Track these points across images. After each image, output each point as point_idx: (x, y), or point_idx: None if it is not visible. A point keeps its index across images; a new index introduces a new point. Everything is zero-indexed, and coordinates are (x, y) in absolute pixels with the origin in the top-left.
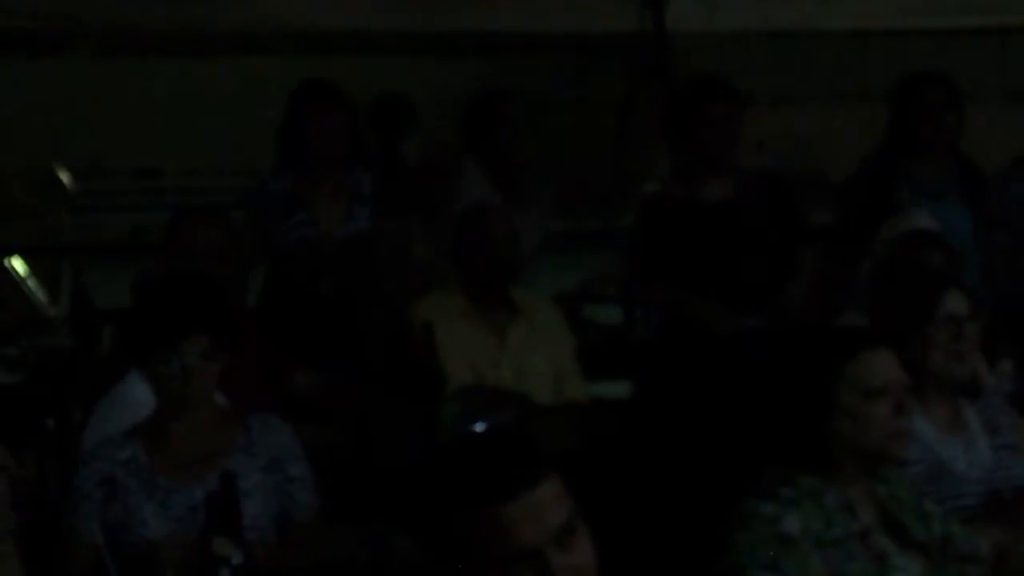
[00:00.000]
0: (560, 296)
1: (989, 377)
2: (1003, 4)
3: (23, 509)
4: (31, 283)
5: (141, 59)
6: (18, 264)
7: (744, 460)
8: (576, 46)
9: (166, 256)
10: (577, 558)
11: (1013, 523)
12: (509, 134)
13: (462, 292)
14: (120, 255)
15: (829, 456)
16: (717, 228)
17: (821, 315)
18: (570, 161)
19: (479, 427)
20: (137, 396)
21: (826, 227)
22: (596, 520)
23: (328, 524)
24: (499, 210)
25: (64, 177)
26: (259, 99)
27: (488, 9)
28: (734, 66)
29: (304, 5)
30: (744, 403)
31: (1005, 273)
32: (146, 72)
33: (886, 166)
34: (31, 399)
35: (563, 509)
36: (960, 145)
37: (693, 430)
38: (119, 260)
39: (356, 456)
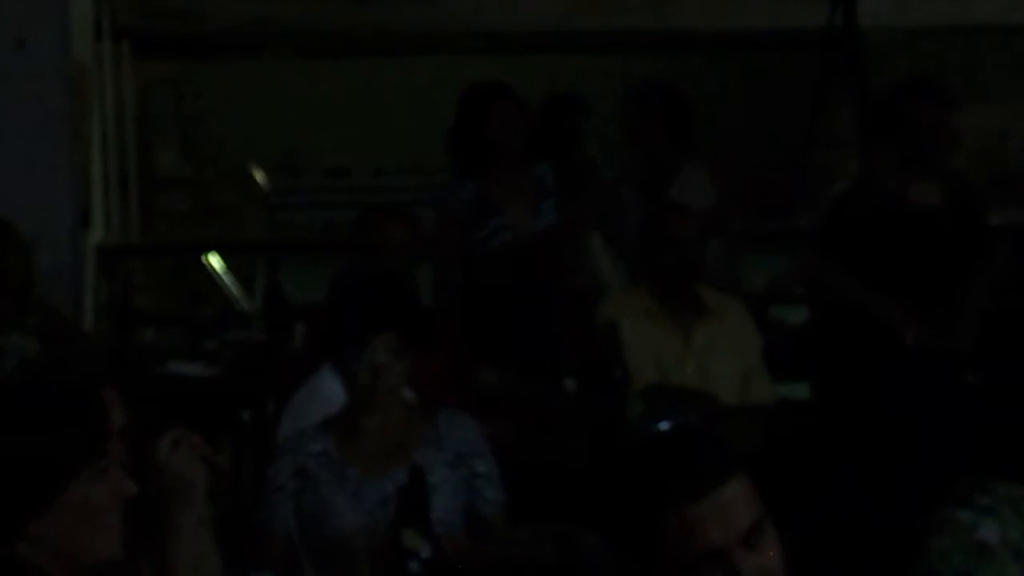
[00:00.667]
0: (747, 296)
1: None
2: None
3: (219, 499)
4: (227, 279)
5: (332, 60)
6: (215, 261)
7: (936, 466)
8: (763, 43)
9: (355, 253)
10: (764, 559)
11: None
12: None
13: (648, 291)
14: (312, 252)
15: None
16: (923, 233)
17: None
18: (755, 160)
19: (664, 426)
20: (329, 390)
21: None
22: (782, 521)
23: (514, 521)
24: (684, 209)
25: (259, 176)
26: (446, 98)
27: (672, 7)
28: (925, 63)
29: (491, 4)
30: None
31: None
32: (337, 73)
33: None
34: (227, 392)
35: (751, 510)
36: None
37: (876, 434)
38: (311, 257)
39: (541, 453)
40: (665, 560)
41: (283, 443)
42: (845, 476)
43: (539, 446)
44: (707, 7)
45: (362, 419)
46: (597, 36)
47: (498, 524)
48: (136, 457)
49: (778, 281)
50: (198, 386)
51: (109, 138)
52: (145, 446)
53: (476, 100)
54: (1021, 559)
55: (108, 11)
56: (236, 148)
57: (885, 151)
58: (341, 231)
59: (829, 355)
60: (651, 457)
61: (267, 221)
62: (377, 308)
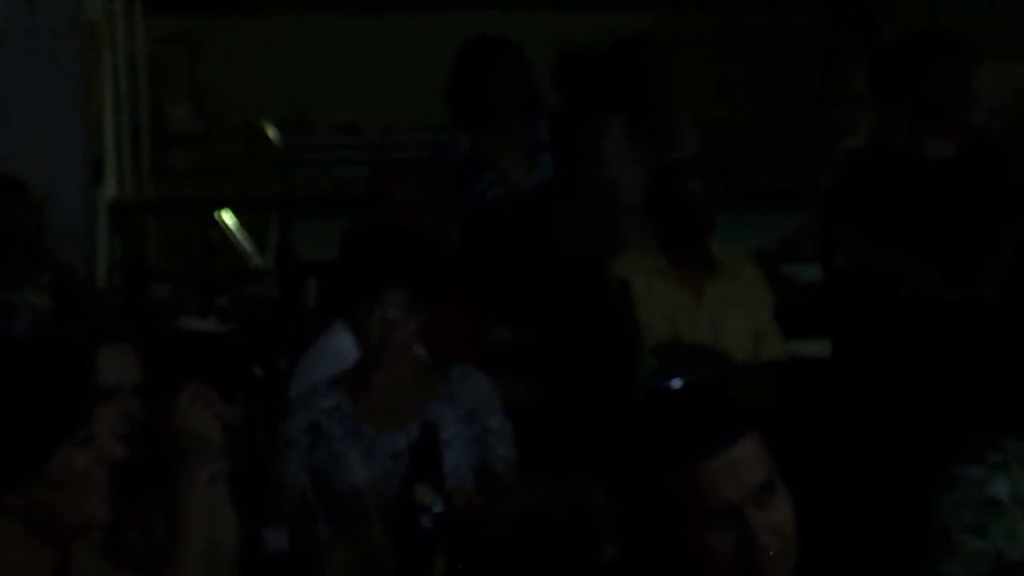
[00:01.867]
0: (759, 254)
1: None
2: None
3: (232, 455)
4: (239, 235)
5: (344, 16)
6: (228, 217)
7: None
8: None
9: (367, 210)
10: (776, 516)
11: None
12: (652, 85)
13: (659, 249)
14: (323, 209)
15: None
16: (939, 186)
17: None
18: (766, 116)
19: (676, 383)
20: (341, 346)
21: None
22: (794, 479)
23: (525, 476)
24: (694, 167)
25: (270, 133)
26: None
27: None
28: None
29: None
30: (948, 366)
31: None
32: (348, 29)
33: None
34: (240, 348)
35: (762, 467)
36: None
37: (891, 391)
38: (322, 213)
39: (553, 409)
40: (677, 517)
41: (295, 399)
42: (855, 432)
43: (551, 403)
44: None
45: (374, 375)
46: None
47: (509, 480)
48: (149, 413)
49: (791, 239)
50: (211, 342)
51: (121, 94)
52: (157, 402)
53: (476, 53)
54: None
55: None
56: (247, 104)
57: (900, 106)
58: (352, 187)
59: (842, 314)
60: (664, 415)
61: (278, 177)
62: (388, 264)
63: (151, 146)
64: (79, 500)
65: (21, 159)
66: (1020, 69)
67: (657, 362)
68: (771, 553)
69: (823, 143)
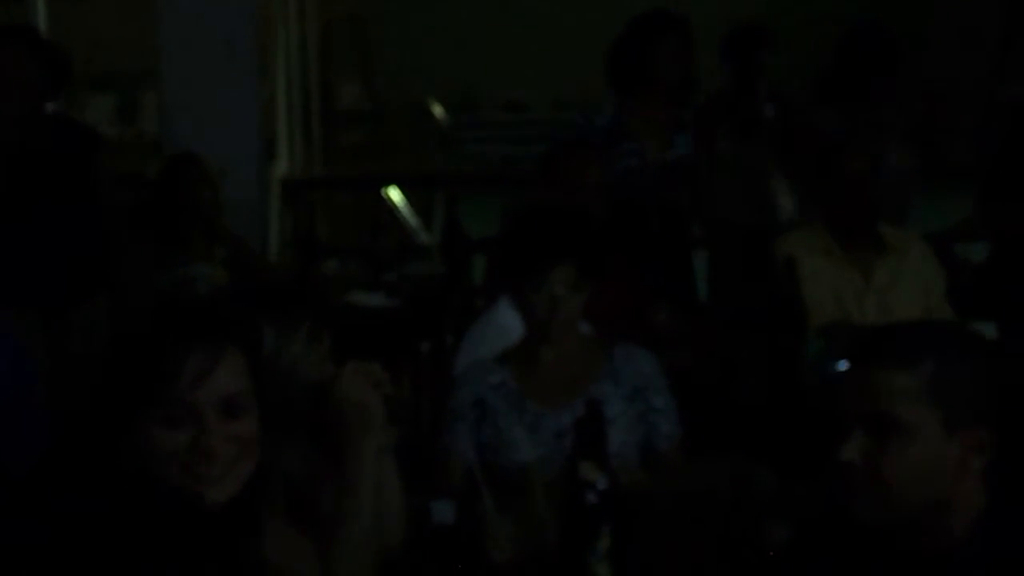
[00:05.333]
0: (931, 234)
1: None
2: None
3: (399, 428)
4: (406, 212)
5: None
6: (395, 194)
7: None
8: None
9: (545, 189)
10: None
11: None
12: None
13: (826, 229)
14: (490, 186)
15: None
16: None
17: None
18: (943, 91)
19: (843, 365)
20: (507, 322)
21: None
22: None
23: (690, 455)
24: (858, 147)
25: (437, 111)
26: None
27: None
28: None
29: None
30: None
31: None
32: (516, 7)
33: None
34: (407, 323)
35: None
36: None
37: None
38: (488, 191)
39: (718, 389)
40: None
41: (462, 374)
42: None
43: (716, 382)
44: None
45: (539, 352)
46: None
47: (674, 458)
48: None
49: (967, 219)
50: (378, 317)
51: (293, 74)
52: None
53: (649, 26)
54: None
55: None
56: (415, 83)
57: None
58: (519, 165)
59: (1001, 294)
60: (831, 397)
61: (445, 155)
62: (556, 241)
63: (321, 124)
64: (174, 479)
65: (198, 136)
66: None
67: (824, 343)
68: None
69: (999, 120)
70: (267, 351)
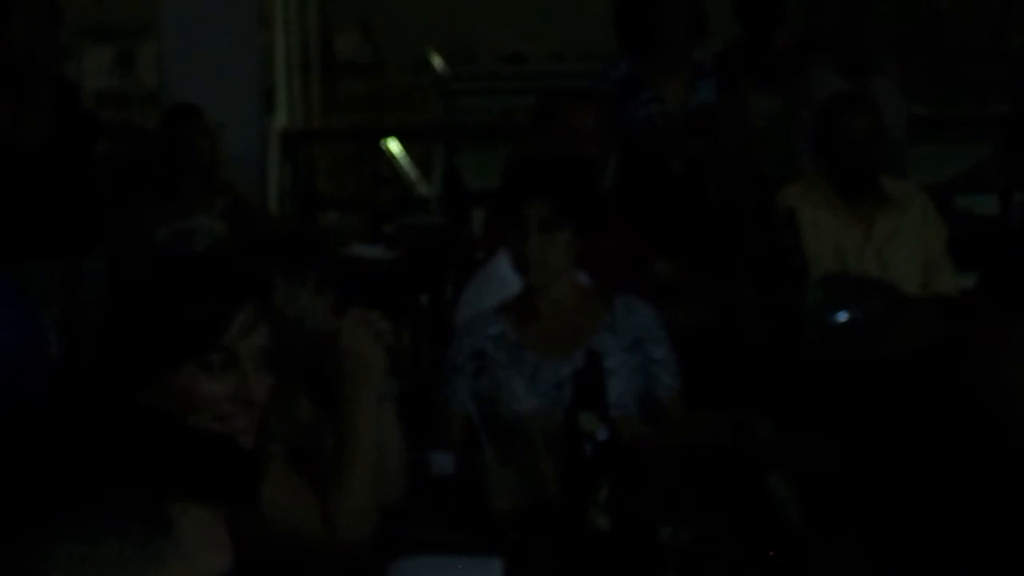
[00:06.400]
0: (934, 186)
1: None
2: None
3: (399, 379)
4: (406, 164)
5: None
6: (394, 146)
7: None
8: None
9: (537, 137)
10: None
11: None
12: (853, 14)
13: (827, 181)
14: (489, 138)
15: None
16: None
17: None
18: (945, 45)
19: (842, 316)
20: (506, 274)
21: None
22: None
23: (690, 407)
24: (861, 101)
25: (436, 62)
26: None
27: None
28: None
29: None
30: None
31: None
32: None
33: None
34: (407, 275)
35: None
36: None
37: None
38: (488, 143)
39: (718, 340)
40: None
41: (461, 326)
42: None
43: (716, 333)
44: None
45: (538, 302)
46: None
47: (674, 409)
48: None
49: (971, 171)
50: (378, 268)
51: (291, 25)
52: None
53: None
54: None
55: None
56: (415, 34)
57: None
58: (518, 117)
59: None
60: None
61: (445, 107)
62: (529, 178)
63: (320, 76)
64: (204, 425)
65: (197, 88)
66: None
67: (824, 294)
68: None
69: (1003, 71)
70: (276, 303)
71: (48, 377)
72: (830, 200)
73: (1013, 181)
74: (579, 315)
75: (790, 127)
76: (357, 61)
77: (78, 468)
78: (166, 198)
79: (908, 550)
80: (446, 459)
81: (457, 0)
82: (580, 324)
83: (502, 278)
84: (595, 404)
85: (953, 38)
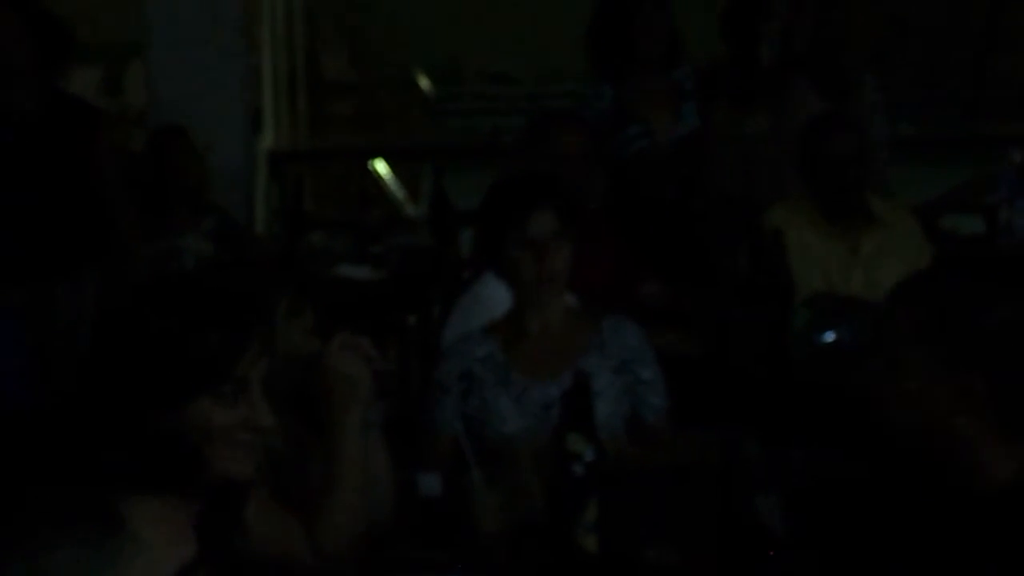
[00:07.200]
0: (920, 206)
1: None
2: None
3: (387, 401)
4: (393, 184)
5: None
6: (381, 166)
7: None
8: None
9: (526, 159)
10: None
11: None
12: (830, 37)
13: (812, 202)
14: (477, 158)
15: None
16: None
17: None
18: (929, 64)
19: (829, 336)
20: (494, 295)
21: None
22: None
23: (678, 427)
24: (843, 121)
25: (423, 82)
26: None
27: None
28: None
29: None
30: None
31: None
32: None
33: None
34: (394, 295)
35: None
36: None
37: None
38: (476, 163)
39: (707, 361)
40: None
41: (448, 346)
42: None
43: (705, 354)
44: None
45: (527, 323)
46: None
47: (662, 430)
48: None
49: (958, 190)
50: (365, 289)
51: (279, 45)
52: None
53: (618, 1)
54: None
55: None
56: (402, 54)
57: None
58: (506, 137)
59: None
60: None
61: (432, 127)
62: (533, 188)
63: (308, 96)
64: (218, 455)
65: (184, 108)
66: None
67: (810, 314)
68: None
69: (987, 91)
70: None
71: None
72: (816, 220)
73: None
74: (567, 336)
75: (775, 148)
76: (344, 81)
77: (17, 481)
78: (153, 219)
79: (894, 568)
80: (434, 480)
81: (445, 20)
82: (568, 345)
83: (489, 298)
84: (583, 425)
85: (937, 56)
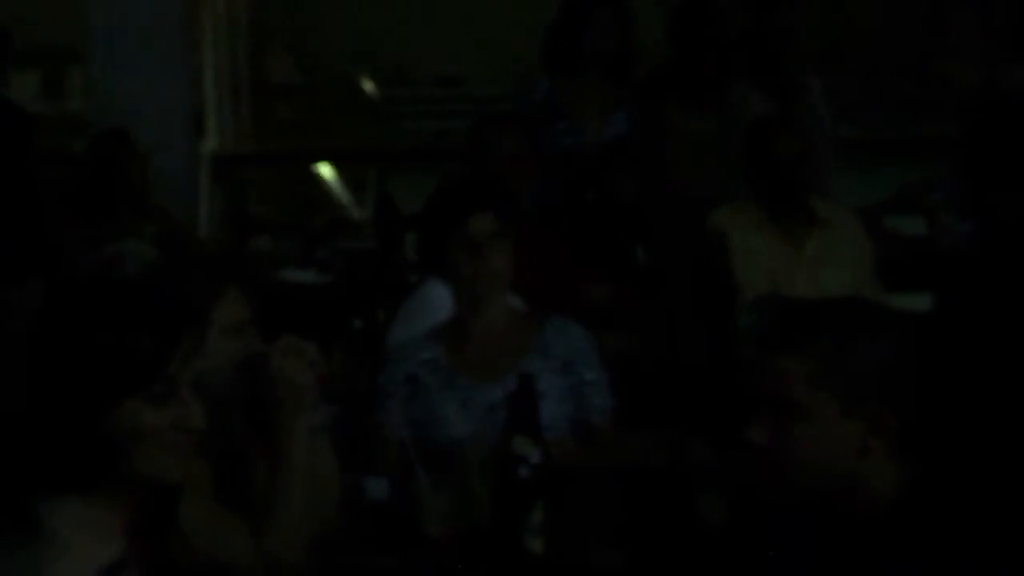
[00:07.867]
0: (863, 208)
1: None
2: None
3: (332, 405)
4: (338, 188)
5: None
6: (326, 170)
7: None
8: None
9: (467, 162)
10: None
11: None
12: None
13: (757, 203)
14: (423, 161)
15: None
16: None
17: None
18: (873, 64)
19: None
20: (438, 299)
21: None
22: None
23: (625, 428)
24: (787, 126)
25: (369, 86)
26: None
27: None
28: None
29: None
30: None
31: None
32: None
33: None
34: (339, 299)
35: None
36: None
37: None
38: (422, 166)
39: (651, 362)
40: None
41: (393, 350)
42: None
43: (649, 355)
44: None
45: (470, 326)
46: None
47: (607, 431)
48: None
49: (903, 191)
50: (310, 293)
51: (222, 47)
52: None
53: (580, 2)
54: None
55: None
56: (348, 57)
57: None
58: (452, 140)
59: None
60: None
61: (378, 130)
62: (472, 190)
63: (251, 99)
64: (147, 456)
65: (125, 111)
66: None
67: (755, 317)
68: None
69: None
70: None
71: None
72: (760, 222)
73: (965, 207)
74: (510, 338)
75: (721, 149)
76: (289, 84)
77: None
78: (95, 223)
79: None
80: (380, 484)
81: (391, 23)
82: (511, 347)
83: (434, 302)
84: (529, 427)
85: (880, 59)
